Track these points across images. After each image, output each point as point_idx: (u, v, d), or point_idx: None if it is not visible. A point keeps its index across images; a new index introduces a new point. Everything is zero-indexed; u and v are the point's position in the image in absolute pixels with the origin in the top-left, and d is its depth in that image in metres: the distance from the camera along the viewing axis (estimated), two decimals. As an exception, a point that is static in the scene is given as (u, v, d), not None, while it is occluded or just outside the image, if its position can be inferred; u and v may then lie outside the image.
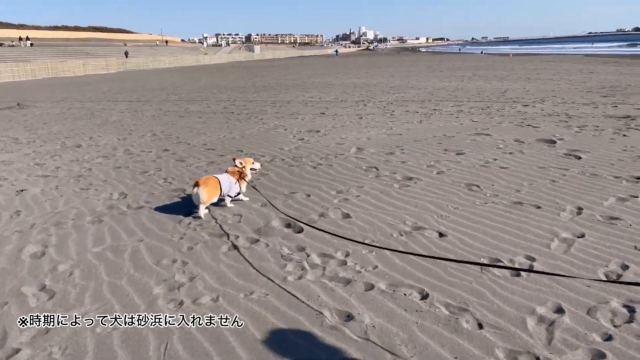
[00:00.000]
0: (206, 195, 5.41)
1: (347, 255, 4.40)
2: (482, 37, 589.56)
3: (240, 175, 5.81)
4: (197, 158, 8.99)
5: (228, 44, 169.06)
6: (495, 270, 3.93)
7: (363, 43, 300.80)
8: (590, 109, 13.09)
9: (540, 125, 10.83)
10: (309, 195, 6.20)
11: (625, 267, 3.91)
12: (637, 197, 5.51)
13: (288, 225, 5.24)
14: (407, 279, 3.92)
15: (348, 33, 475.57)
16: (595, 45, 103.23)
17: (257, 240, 4.86)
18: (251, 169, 6.00)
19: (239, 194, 5.87)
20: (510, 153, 8.01)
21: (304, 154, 8.86)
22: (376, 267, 4.15)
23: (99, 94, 24.96)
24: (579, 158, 7.44)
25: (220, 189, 5.55)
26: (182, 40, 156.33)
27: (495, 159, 7.64)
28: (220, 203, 5.83)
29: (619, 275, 3.79)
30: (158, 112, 16.82)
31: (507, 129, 10.46)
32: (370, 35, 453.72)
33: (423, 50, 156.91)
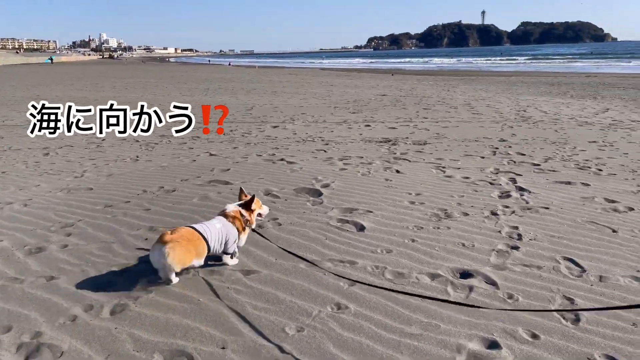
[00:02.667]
0: (177, 261, 3.38)
1: None
2: (230, 50, 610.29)
3: (246, 223, 3.83)
4: None
5: None
6: None
7: (105, 51, 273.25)
8: (345, 130, 11.23)
9: (296, 158, 8.12)
10: None
11: None
12: (498, 346, 2.79)
13: None
14: None
15: (87, 40, 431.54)
16: (325, 60, 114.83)
17: None
18: (258, 214, 4.03)
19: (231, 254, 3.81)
20: (260, 228, 4.77)
21: None
22: None
23: None
24: (362, 229, 4.67)
25: (208, 246, 3.55)
26: None
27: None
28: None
29: None
30: None
31: (255, 169, 7.38)
32: (114, 43, 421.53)
33: (172, 60, 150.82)
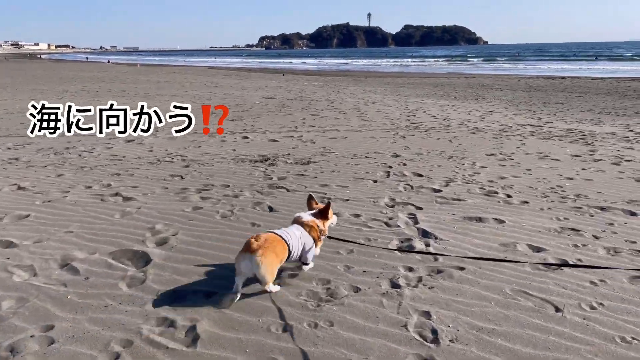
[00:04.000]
0: (270, 271, 3.24)
1: None
2: (112, 46, 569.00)
3: (320, 233, 3.75)
4: None
5: None
6: None
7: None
8: (217, 144, 9.33)
9: (138, 191, 6.08)
10: None
11: None
12: None
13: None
14: None
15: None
16: (217, 58, 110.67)
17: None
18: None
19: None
20: None
21: None
22: None
23: None
24: (196, 341, 2.88)
25: (289, 253, 3.41)
26: None
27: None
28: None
29: None
30: None
31: (68, 215, 5.21)
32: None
33: (45, 57, 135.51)
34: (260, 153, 8.49)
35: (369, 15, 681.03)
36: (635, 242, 4.34)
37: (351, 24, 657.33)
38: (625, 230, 4.68)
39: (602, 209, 5.34)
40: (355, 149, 8.88)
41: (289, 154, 8.42)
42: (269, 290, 3.33)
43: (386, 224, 4.86)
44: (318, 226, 3.72)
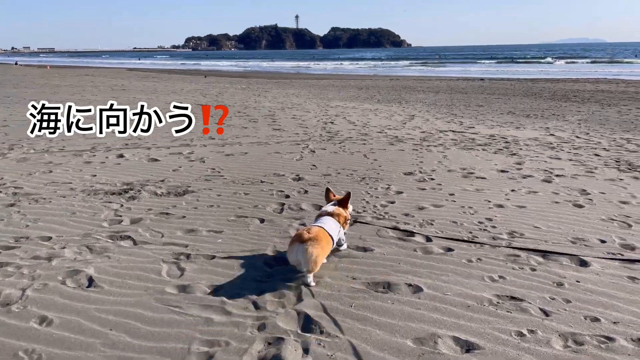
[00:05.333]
0: (316, 260, 3.45)
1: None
2: (25, 47, 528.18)
3: (345, 219, 4.07)
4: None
5: None
6: None
7: None
8: (76, 167, 7.37)
9: None
10: None
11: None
12: None
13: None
14: None
15: None
16: (141, 60, 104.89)
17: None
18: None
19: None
20: None
21: None
22: None
23: None
24: None
25: (333, 242, 3.79)
26: None
27: None
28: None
29: None
30: None
31: None
32: None
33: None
34: (125, 180, 6.65)
35: (297, 17, 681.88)
36: (598, 320, 3.08)
37: (279, 25, 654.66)
38: (579, 295, 3.43)
39: (544, 255, 4.11)
40: (251, 170, 7.28)
41: (163, 180, 6.65)
42: (308, 281, 3.45)
43: (255, 304, 3.28)
44: (342, 213, 3.98)
